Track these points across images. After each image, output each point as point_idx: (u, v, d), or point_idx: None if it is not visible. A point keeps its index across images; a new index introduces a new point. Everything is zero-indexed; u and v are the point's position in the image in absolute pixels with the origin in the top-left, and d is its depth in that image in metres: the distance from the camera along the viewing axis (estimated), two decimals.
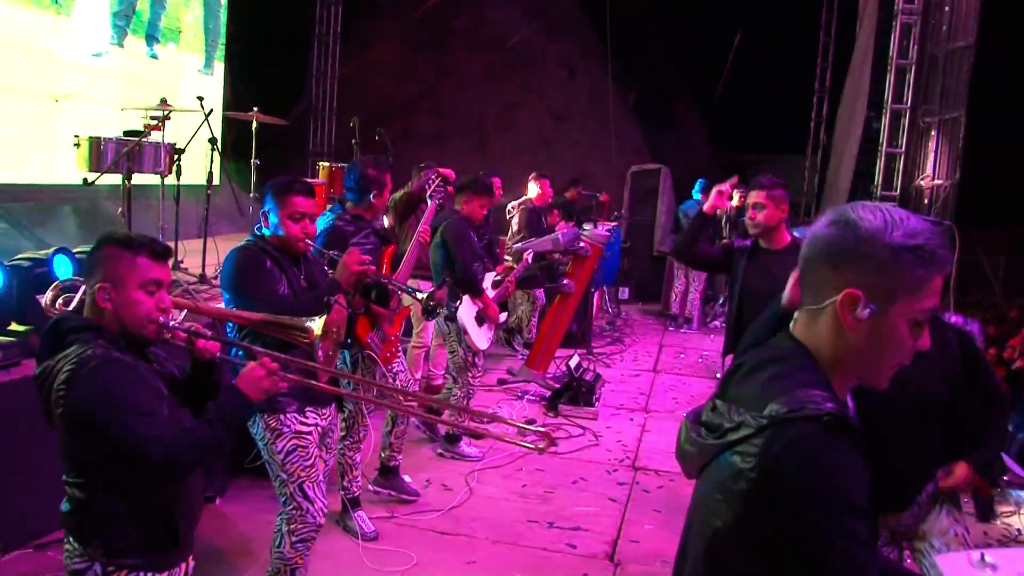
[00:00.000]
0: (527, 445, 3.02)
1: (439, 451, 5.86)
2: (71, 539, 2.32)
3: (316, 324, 2.84)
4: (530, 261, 6.57)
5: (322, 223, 4.40)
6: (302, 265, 3.53)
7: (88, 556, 2.28)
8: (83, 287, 2.46)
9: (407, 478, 5.20)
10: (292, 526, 3.44)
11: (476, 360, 5.89)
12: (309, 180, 8.97)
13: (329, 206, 5.01)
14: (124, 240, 2.36)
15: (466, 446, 5.90)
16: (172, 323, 2.39)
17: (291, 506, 3.44)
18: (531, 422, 6.48)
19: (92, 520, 2.29)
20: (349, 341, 4.43)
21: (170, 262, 2.45)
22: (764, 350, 1.63)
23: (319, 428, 3.53)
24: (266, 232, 3.46)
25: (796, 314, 1.62)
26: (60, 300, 2.83)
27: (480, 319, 5.75)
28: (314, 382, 2.94)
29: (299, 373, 2.75)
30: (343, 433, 4.61)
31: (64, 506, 2.33)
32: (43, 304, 2.80)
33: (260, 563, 3.83)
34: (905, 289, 1.47)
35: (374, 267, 3.79)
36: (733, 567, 1.49)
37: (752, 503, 1.44)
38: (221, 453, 2.98)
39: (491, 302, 5.78)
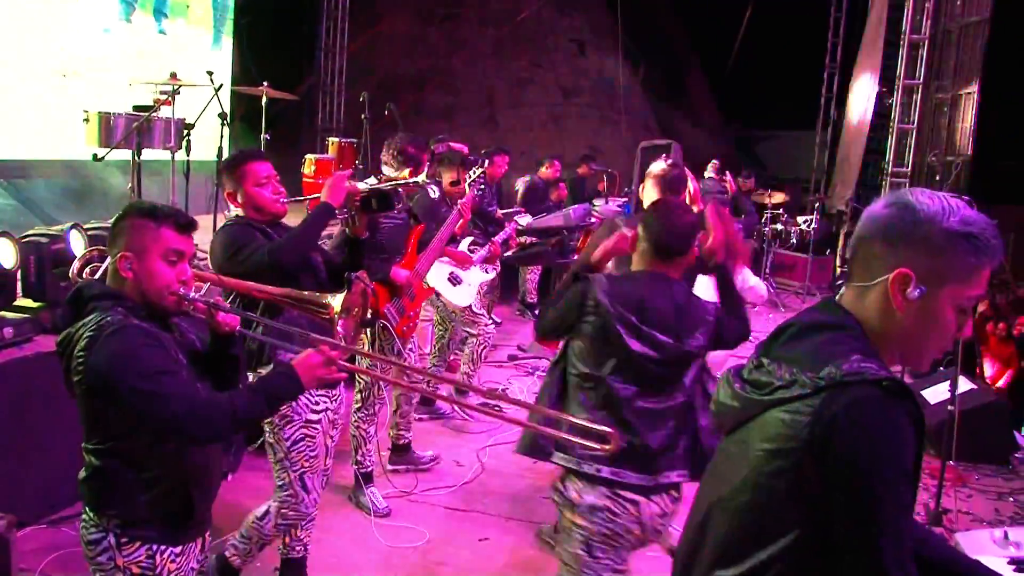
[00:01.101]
0: (592, 445, 2.50)
1: (417, 416, 5.61)
2: (87, 509, 2.33)
3: (336, 300, 2.81)
4: (512, 231, 6.45)
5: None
6: (283, 231, 3.44)
7: (103, 526, 2.29)
8: (108, 258, 2.45)
9: (417, 452, 5.23)
10: (284, 511, 3.45)
11: (477, 322, 5.95)
12: (319, 155, 9.03)
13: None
14: (149, 210, 2.35)
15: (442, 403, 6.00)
16: (193, 295, 2.38)
17: (288, 492, 3.44)
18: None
19: (108, 488, 2.29)
20: (370, 316, 4.46)
21: (194, 235, 2.42)
22: (814, 315, 1.65)
23: (328, 412, 3.51)
24: (239, 212, 3.40)
25: (843, 287, 1.64)
26: (87, 271, 2.84)
27: (454, 279, 5.74)
28: (356, 367, 2.92)
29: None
30: (358, 405, 4.62)
31: (82, 473, 2.33)
32: (71, 274, 2.82)
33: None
34: (956, 275, 1.50)
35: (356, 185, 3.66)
36: (774, 520, 1.51)
37: (803, 461, 1.46)
38: (253, 426, 2.96)
39: (453, 252, 5.65)
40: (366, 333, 4.55)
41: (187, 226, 2.38)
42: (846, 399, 1.43)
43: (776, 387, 1.53)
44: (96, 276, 2.75)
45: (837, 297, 1.65)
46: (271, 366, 3.26)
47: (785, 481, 1.49)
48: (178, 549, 2.37)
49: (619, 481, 2.82)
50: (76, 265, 2.89)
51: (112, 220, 2.41)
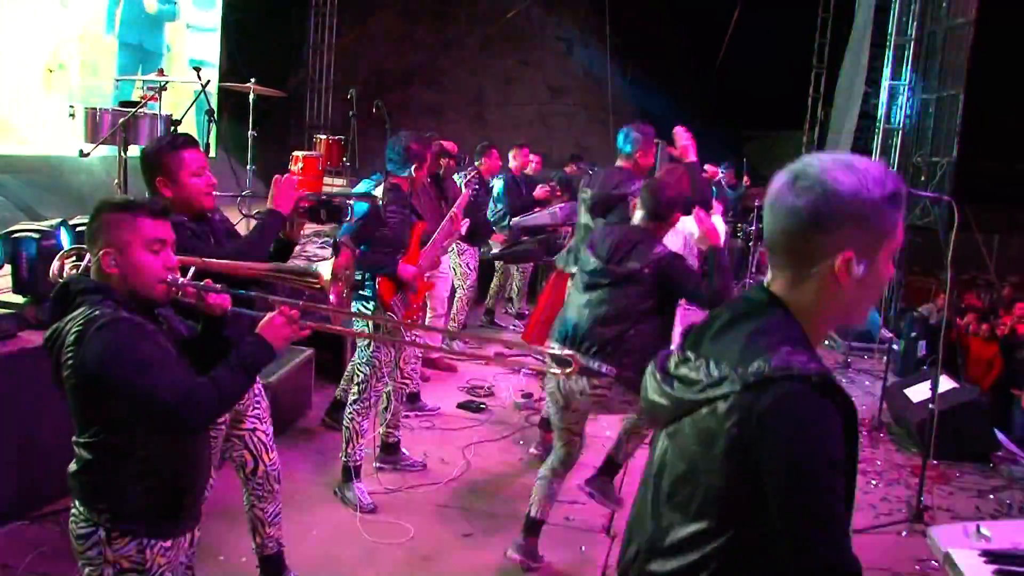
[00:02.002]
0: (553, 371, 3.44)
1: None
2: (77, 503, 2.33)
3: (325, 268, 2.82)
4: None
5: (362, 190, 4.61)
6: (211, 226, 3.33)
7: (93, 520, 2.29)
8: (87, 256, 2.45)
9: (404, 451, 5.25)
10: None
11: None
12: (306, 152, 9.02)
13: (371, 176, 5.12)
14: (123, 203, 2.36)
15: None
16: (180, 280, 2.38)
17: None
18: (528, 396, 6.52)
19: (99, 482, 2.29)
20: (372, 304, 4.52)
21: (170, 220, 2.42)
22: (739, 304, 1.65)
23: (232, 412, 3.40)
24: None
25: (770, 273, 1.63)
26: (67, 268, 2.83)
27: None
28: (331, 326, 2.93)
29: (315, 318, 2.73)
30: (355, 397, 4.63)
31: (72, 466, 2.33)
32: (51, 273, 2.80)
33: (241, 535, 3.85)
34: (887, 234, 1.53)
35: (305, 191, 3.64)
36: (711, 516, 1.53)
37: (735, 458, 1.47)
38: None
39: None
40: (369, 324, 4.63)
41: (163, 212, 2.38)
42: (774, 395, 1.44)
43: (706, 384, 1.54)
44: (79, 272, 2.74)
45: (766, 283, 1.63)
46: None
47: (719, 477, 1.50)
48: (168, 543, 2.37)
49: None
50: (56, 264, 2.86)
51: (88, 218, 2.40)
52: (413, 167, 4.62)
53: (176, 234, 3.06)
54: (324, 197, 3.66)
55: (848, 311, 1.60)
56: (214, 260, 2.89)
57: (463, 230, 5.85)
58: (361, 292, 4.59)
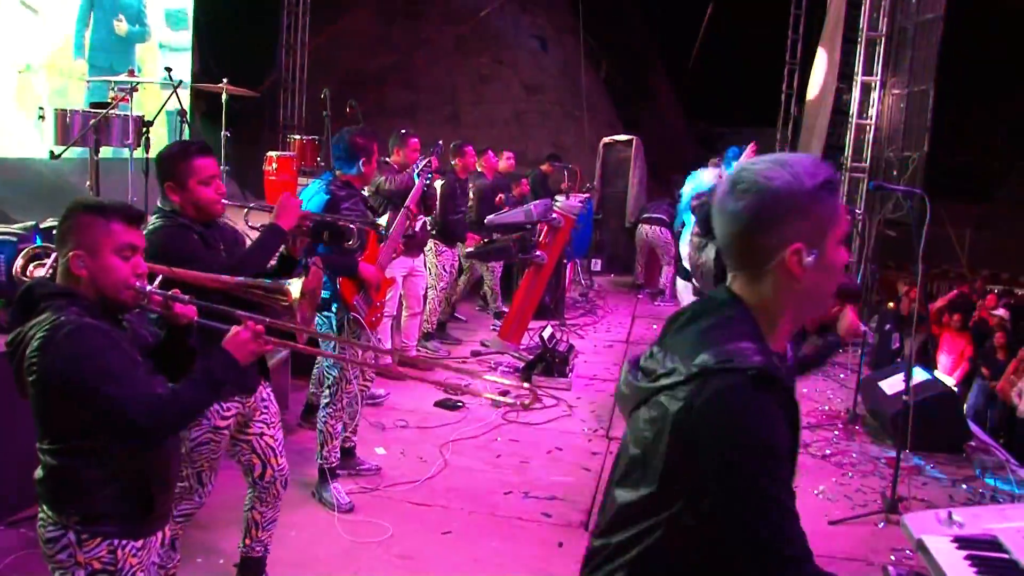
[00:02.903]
0: (510, 402, 3.22)
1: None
2: (45, 507, 2.31)
3: (294, 286, 2.81)
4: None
5: (314, 188, 4.52)
6: (219, 234, 3.34)
7: (62, 524, 2.27)
8: (53, 255, 2.43)
9: (381, 450, 5.25)
10: (178, 501, 3.36)
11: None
12: (280, 152, 8.97)
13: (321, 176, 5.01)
14: (96, 206, 2.33)
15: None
16: (148, 288, 2.37)
17: (183, 484, 3.37)
18: (505, 393, 6.52)
19: (66, 486, 2.27)
20: (335, 305, 4.48)
21: (143, 227, 2.41)
22: (702, 302, 1.71)
23: (237, 418, 3.41)
24: (174, 208, 3.21)
25: (730, 275, 1.68)
26: (31, 268, 2.80)
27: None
28: (294, 343, 2.93)
29: (276, 335, 2.72)
30: (326, 400, 4.62)
31: (38, 473, 2.31)
32: (14, 271, 2.77)
33: (225, 531, 3.83)
34: (830, 221, 1.58)
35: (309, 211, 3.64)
36: (650, 501, 1.57)
37: (677, 444, 1.52)
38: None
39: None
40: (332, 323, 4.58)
41: (137, 218, 2.36)
42: (710, 387, 1.49)
43: (659, 375, 1.59)
44: (43, 274, 2.72)
45: (728, 282, 1.68)
46: None
47: (661, 463, 1.54)
48: (139, 543, 2.36)
49: None
50: (19, 262, 2.83)
51: (60, 218, 2.37)
52: (361, 162, 4.60)
53: (184, 238, 3.14)
54: (328, 219, 3.65)
55: (813, 302, 1.65)
56: (181, 270, 2.87)
57: (417, 226, 5.84)
58: (322, 296, 4.59)
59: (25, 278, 2.78)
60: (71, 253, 2.28)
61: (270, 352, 2.58)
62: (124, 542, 2.31)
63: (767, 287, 1.61)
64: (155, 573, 2.50)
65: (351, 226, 3.68)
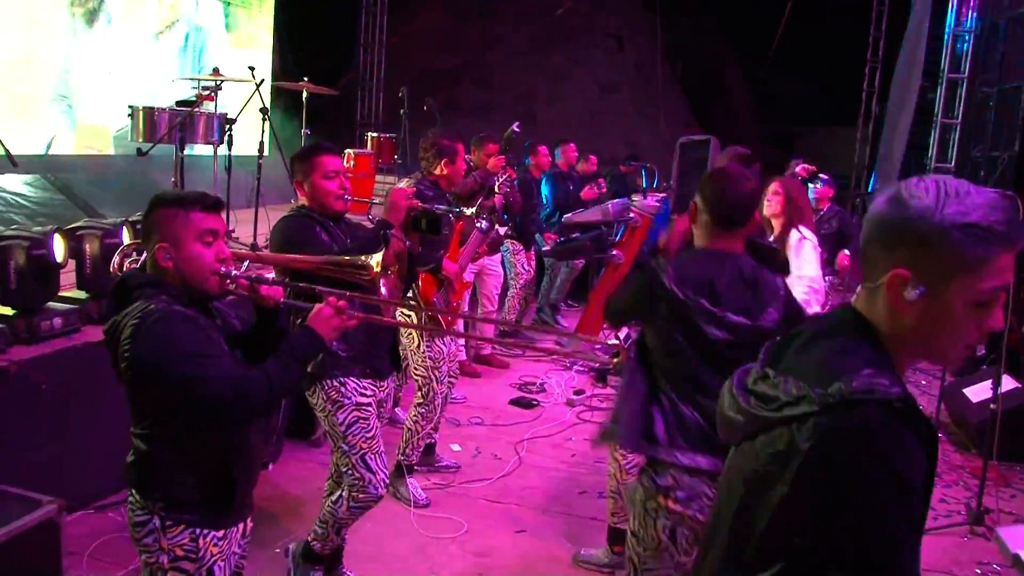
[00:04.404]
0: (601, 358, 3.37)
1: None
2: (133, 491, 2.38)
3: (374, 260, 2.85)
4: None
5: (402, 186, 4.60)
6: (344, 227, 3.47)
7: (148, 509, 2.33)
8: (144, 250, 2.49)
9: (456, 447, 5.29)
10: (354, 494, 3.46)
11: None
12: (358, 150, 9.08)
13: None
14: (176, 198, 2.39)
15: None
16: (233, 272, 2.41)
17: (354, 476, 3.44)
18: (580, 392, 6.51)
19: (153, 472, 2.34)
20: (410, 296, 4.52)
21: (223, 212, 2.46)
22: (823, 321, 1.60)
23: (376, 399, 3.54)
24: (303, 203, 3.44)
25: (859, 288, 1.57)
26: (126, 264, 2.89)
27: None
28: (379, 316, 2.97)
29: (365, 309, 2.76)
30: (419, 400, 4.67)
31: (129, 457, 2.38)
32: (112, 268, 2.86)
33: (309, 525, 3.89)
34: (960, 269, 1.39)
35: (418, 201, 3.70)
36: (777, 541, 1.46)
37: (806, 480, 1.41)
38: (291, 393, 3.02)
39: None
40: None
41: (215, 205, 2.41)
42: (854, 419, 1.38)
43: (783, 403, 1.47)
44: (136, 268, 2.80)
45: (853, 300, 1.58)
46: None
47: (782, 500, 1.44)
48: (220, 533, 2.41)
49: (714, 472, 2.65)
50: (116, 259, 2.93)
51: (143, 214, 2.44)
52: (443, 162, 4.62)
53: (304, 226, 3.31)
54: (430, 208, 3.72)
55: (920, 344, 1.49)
56: (265, 253, 2.94)
57: (501, 230, 5.87)
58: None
59: (122, 272, 2.86)
60: (156, 247, 2.34)
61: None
62: (206, 531, 2.37)
63: (880, 307, 1.49)
64: (236, 563, 2.55)
65: (450, 216, 3.77)
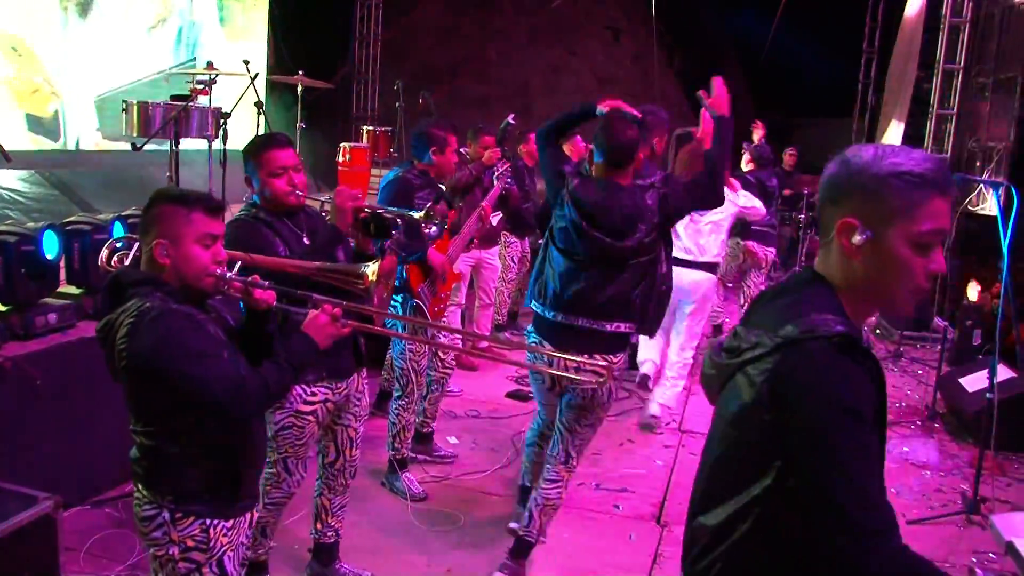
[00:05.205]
0: (585, 379, 3.61)
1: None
2: (140, 486, 2.39)
3: (370, 269, 2.85)
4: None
5: (389, 176, 4.58)
6: (302, 221, 3.35)
7: (156, 503, 2.35)
8: (136, 244, 2.49)
9: (453, 439, 5.31)
10: (267, 488, 3.44)
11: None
12: (354, 143, 9.06)
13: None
14: (179, 196, 2.39)
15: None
16: (228, 275, 2.42)
17: (270, 472, 3.42)
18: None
19: (159, 466, 2.35)
20: (398, 285, 4.55)
21: (224, 216, 2.46)
22: (786, 281, 1.77)
23: (328, 405, 3.43)
24: (256, 199, 3.29)
25: (819, 250, 1.74)
26: (115, 258, 2.88)
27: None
28: (372, 326, 2.96)
29: (354, 317, 2.75)
30: (399, 393, 4.66)
31: (133, 453, 2.39)
32: (100, 262, 2.85)
33: (300, 517, 3.89)
34: (899, 213, 1.57)
35: (362, 200, 3.54)
36: (745, 472, 1.62)
37: (763, 415, 1.57)
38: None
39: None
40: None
41: (217, 209, 2.41)
42: (796, 353, 1.54)
43: (743, 350, 1.64)
44: (127, 263, 2.79)
45: (816, 264, 1.74)
46: None
47: (751, 434, 1.60)
48: (229, 523, 2.44)
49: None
50: (104, 253, 2.91)
51: (143, 208, 2.43)
52: (431, 151, 4.57)
53: (253, 230, 3.18)
54: (379, 210, 3.65)
55: (871, 290, 1.64)
56: (260, 257, 2.92)
57: (494, 222, 5.84)
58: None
59: (111, 268, 2.85)
60: (155, 242, 2.34)
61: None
62: (216, 521, 2.39)
63: (833, 262, 1.66)
64: (244, 553, 2.57)
65: (397, 220, 3.68)
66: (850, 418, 1.49)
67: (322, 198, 3.77)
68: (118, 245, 2.98)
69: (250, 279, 2.48)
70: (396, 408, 4.66)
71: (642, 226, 3.59)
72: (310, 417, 3.39)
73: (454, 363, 5.23)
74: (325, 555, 3.74)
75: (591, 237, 3.60)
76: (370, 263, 2.92)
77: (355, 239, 3.40)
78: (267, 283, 2.52)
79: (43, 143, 7.63)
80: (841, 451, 1.48)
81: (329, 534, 3.71)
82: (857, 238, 1.58)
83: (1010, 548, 2.46)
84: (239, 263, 2.61)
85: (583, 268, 3.66)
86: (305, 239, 3.32)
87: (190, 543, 2.36)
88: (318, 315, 2.54)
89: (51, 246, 4.17)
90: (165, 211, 2.36)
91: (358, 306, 2.78)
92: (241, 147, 3.40)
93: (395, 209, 3.77)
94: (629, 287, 3.64)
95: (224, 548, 2.42)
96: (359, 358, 3.54)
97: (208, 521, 2.38)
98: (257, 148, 3.28)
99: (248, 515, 2.55)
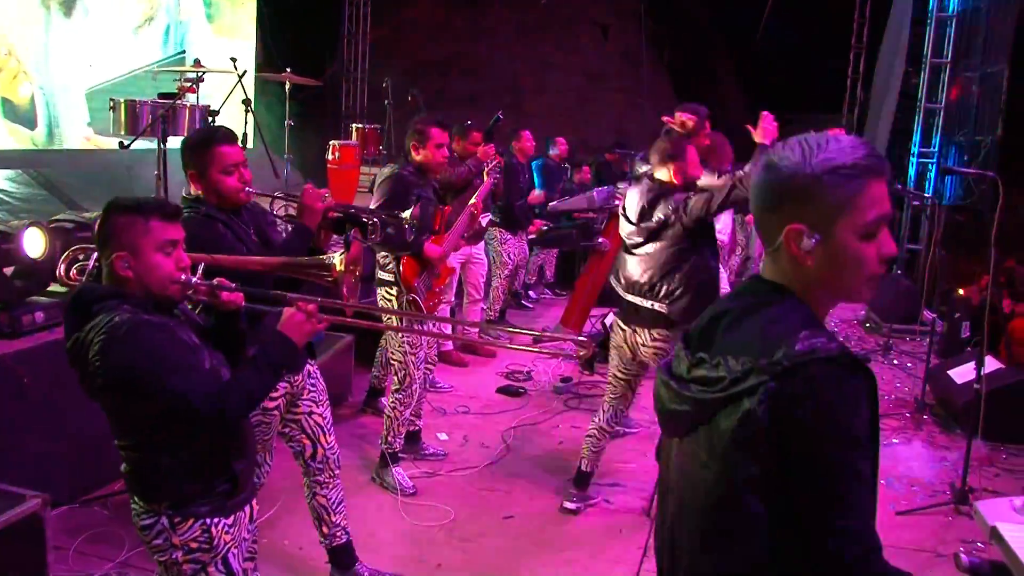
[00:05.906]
0: (569, 354, 3.53)
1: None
2: (135, 498, 2.37)
3: (337, 260, 2.84)
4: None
5: (386, 172, 4.59)
6: (247, 218, 3.28)
7: (154, 511, 2.33)
8: (94, 255, 2.44)
9: (443, 435, 5.31)
10: None
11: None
12: (343, 141, 9.05)
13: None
14: (133, 206, 2.31)
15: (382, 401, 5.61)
16: (193, 279, 2.38)
17: None
18: (567, 380, 6.52)
19: (151, 478, 2.33)
20: (390, 277, 4.58)
21: (180, 219, 2.40)
22: (743, 298, 1.66)
23: (286, 396, 3.40)
24: (198, 196, 3.16)
25: (763, 259, 1.68)
26: (73, 270, 2.81)
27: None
28: (344, 318, 2.94)
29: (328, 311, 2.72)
30: (396, 387, 4.63)
31: (123, 467, 2.37)
32: (58, 275, 2.77)
33: (295, 512, 3.89)
34: (841, 209, 1.52)
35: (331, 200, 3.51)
36: (748, 509, 1.52)
37: (765, 446, 1.48)
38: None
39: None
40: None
41: (174, 214, 2.36)
42: (802, 379, 1.45)
43: (730, 381, 1.53)
44: (85, 275, 2.72)
45: (761, 270, 1.67)
46: None
47: (753, 470, 1.50)
48: (230, 520, 2.43)
49: None
50: (61, 267, 2.80)
51: (98, 220, 2.36)
52: (411, 146, 4.57)
53: (210, 228, 3.10)
54: (352, 211, 3.63)
55: (829, 287, 1.59)
56: (222, 256, 2.88)
57: (483, 223, 5.86)
58: (384, 277, 4.63)
59: (70, 281, 2.80)
60: (114, 255, 2.27)
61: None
62: (216, 520, 2.38)
63: (784, 267, 1.60)
64: (247, 548, 2.56)
65: (374, 220, 3.65)
66: (855, 450, 1.46)
67: (275, 194, 3.88)
68: (79, 257, 2.89)
69: (216, 282, 2.44)
70: (393, 401, 4.63)
71: None
72: (275, 412, 3.38)
73: (436, 358, 5.21)
74: (344, 557, 3.67)
75: None
76: (335, 254, 2.90)
77: (317, 237, 3.36)
78: (234, 285, 2.48)
79: (18, 131, 7.54)
80: (843, 484, 1.45)
81: (338, 534, 3.64)
82: (806, 243, 1.54)
83: (994, 533, 2.48)
84: (201, 265, 2.54)
85: None
86: (253, 235, 3.26)
87: (193, 545, 2.35)
88: (294, 313, 2.48)
89: (33, 244, 4.15)
90: (121, 222, 2.29)
91: (332, 301, 2.75)
92: None
93: (372, 209, 3.79)
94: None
95: (228, 545, 2.41)
96: (309, 349, 3.49)
97: (208, 521, 2.36)
98: (204, 144, 3.15)
99: (248, 509, 2.53)
